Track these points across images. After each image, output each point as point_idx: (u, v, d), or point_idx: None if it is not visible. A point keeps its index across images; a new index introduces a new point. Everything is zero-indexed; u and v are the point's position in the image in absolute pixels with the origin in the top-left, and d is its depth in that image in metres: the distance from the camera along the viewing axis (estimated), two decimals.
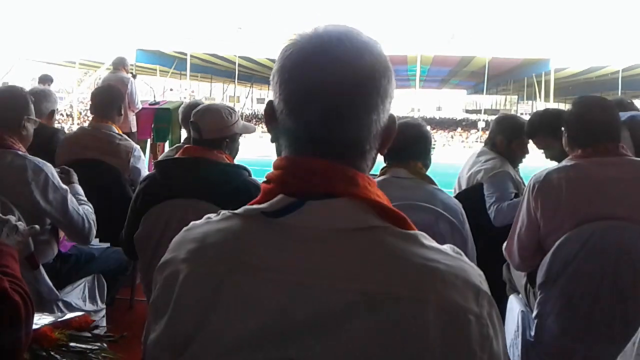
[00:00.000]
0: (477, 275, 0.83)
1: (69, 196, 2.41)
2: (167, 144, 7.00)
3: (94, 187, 3.15)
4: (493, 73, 30.75)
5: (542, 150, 3.08)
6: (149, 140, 7.04)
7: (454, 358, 0.75)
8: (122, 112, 3.63)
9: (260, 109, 49.56)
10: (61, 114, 30.25)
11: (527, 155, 3.28)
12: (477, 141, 28.60)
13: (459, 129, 33.92)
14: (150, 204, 2.18)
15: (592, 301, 2.12)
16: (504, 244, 2.44)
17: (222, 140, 2.32)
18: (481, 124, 30.82)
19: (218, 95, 44.63)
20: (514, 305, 2.54)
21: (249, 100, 49.90)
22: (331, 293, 0.77)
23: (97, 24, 26.45)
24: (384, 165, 2.31)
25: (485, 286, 0.83)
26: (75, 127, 26.57)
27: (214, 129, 2.30)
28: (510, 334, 2.51)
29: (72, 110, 28.80)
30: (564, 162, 2.27)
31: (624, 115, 2.99)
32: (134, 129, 6.90)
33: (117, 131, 3.51)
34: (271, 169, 0.89)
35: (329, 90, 0.82)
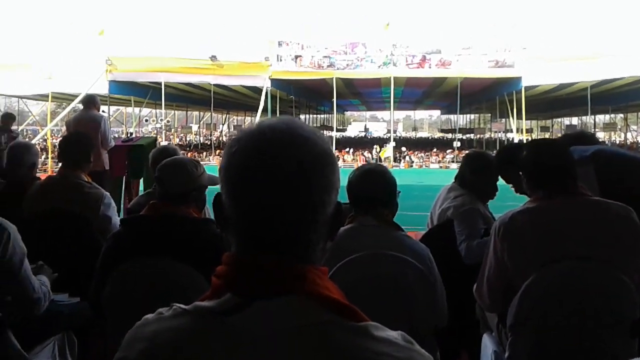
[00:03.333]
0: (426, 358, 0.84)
1: (25, 260, 2.34)
2: (142, 181, 6.98)
3: (62, 237, 3.13)
4: (466, 93, 31.21)
5: (510, 185, 3.13)
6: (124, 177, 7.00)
7: None
8: (92, 159, 3.62)
9: None
10: None
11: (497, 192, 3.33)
12: (453, 161, 28.91)
13: (435, 149, 34.22)
14: (117, 263, 2.16)
15: (561, 342, 2.14)
16: (474, 286, 2.46)
17: (188, 194, 2.32)
18: (456, 144, 31.17)
19: (195, 123, 44.49)
20: (488, 345, 2.56)
21: (226, 127, 49.89)
22: None
23: (69, 56, 26.27)
24: (351, 213, 2.33)
25: None
26: (49, 161, 26.30)
27: (179, 183, 2.30)
28: None
29: (45, 144, 28.46)
30: (527, 204, 2.31)
31: (588, 149, 3.04)
32: (107, 167, 6.85)
33: (86, 179, 3.48)
34: None
35: (271, 189, 0.85)
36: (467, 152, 3.75)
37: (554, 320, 2.14)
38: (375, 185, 2.31)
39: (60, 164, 3.60)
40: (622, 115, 41.03)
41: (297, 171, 0.85)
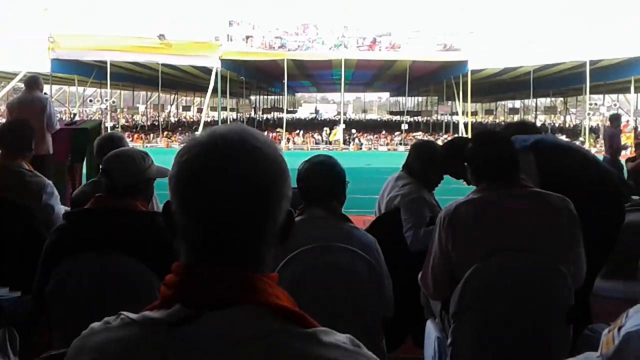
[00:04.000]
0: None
1: None
2: (84, 165, 6.81)
3: (2, 228, 3.02)
4: (414, 76, 31.61)
5: (462, 180, 3.20)
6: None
7: None
8: (33, 147, 3.50)
9: (187, 116, 48.78)
10: None
11: (442, 181, 3.40)
12: (400, 143, 29.30)
13: (384, 131, 34.57)
14: (61, 258, 2.11)
15: (502, 330, 2.23)
16: (419, 274, 2.52)
17: (136, 187, 2.28)
18: (404, 126, 31.59)
19: (142, 103, 43.41)
20: (431, 331, 2.63)
21: (174, 107, 48.95)
22: None
23: (8, 32, 25.13)
24: (301, 205, 2.35)
25: None
26: None
27: (126, 177, 2.25)
28: (428, 359, 2.60)
29: None
30: (471, 195, 2.38)
31: (528, 139, 3.13)
32: (52, 151, 6.63)
33: (27, 167, 3.37)
34: None
35: (223, 199, 0.85)
36: (414, 141, 3.82)
37: (495, 308, 2.23)
38: (325, 178, 2.33)
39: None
40: (562, 99, 42.46)
41: (248, 182, 0.85)
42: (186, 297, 0.85)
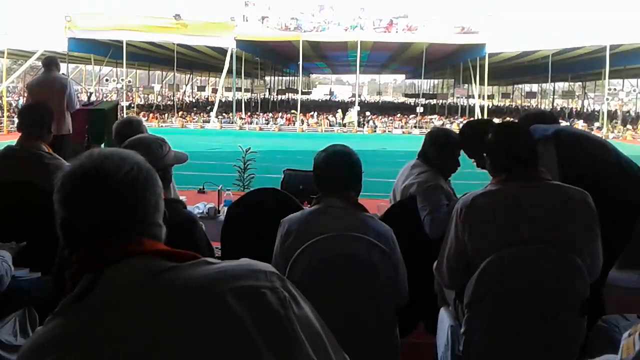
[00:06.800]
0: (265, 265, 1.04)
1: None
2: (102, 146, 6.85)
3: (21, 210, 3.07)
4: (431, 58, 31.31)
5: (472, 160, 3.20)
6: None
7: (265, 325, 0.95)
8: (52, 130, 3.54)
9: (201, 96, 48.85)
10: None
11: (458, 168, 3.38)
12: (415, 126, 29.09)
13: (398, 114, 34.35)
14: None
15: (515, 321, 2.23)
16: (435, 264, 2.53)
17: None
18: (419, 109, 31.36)
19: (157, 83, 43.45)
20: (444, 319, 2.64)
21: (189, 87, 48.99)
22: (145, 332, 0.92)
23: (24, 11, 25.31)
24: (317, 195, 2.35)
25: (273, 269, 1.03)
26: (5, 120, 25.46)
27: None
28: (441, 346, 2.62)
29: (1, 102, 27.46)
30: (489, 187, 2.37)
31: (548, 129, 3.11)
32: (71, 131, 6.69)
33: (46, 150, 3.41)
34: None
35: (98, 201, 1.04)
36: (429, 125, 3.80)
37: (509, 299, 2.23)
38: (341, 168, 2.33)
39: (19, 133, 3.50)
40: (580, 83, 41.89)
41: (127, 196, 1.07)
42: (89, 266, 1.00)
